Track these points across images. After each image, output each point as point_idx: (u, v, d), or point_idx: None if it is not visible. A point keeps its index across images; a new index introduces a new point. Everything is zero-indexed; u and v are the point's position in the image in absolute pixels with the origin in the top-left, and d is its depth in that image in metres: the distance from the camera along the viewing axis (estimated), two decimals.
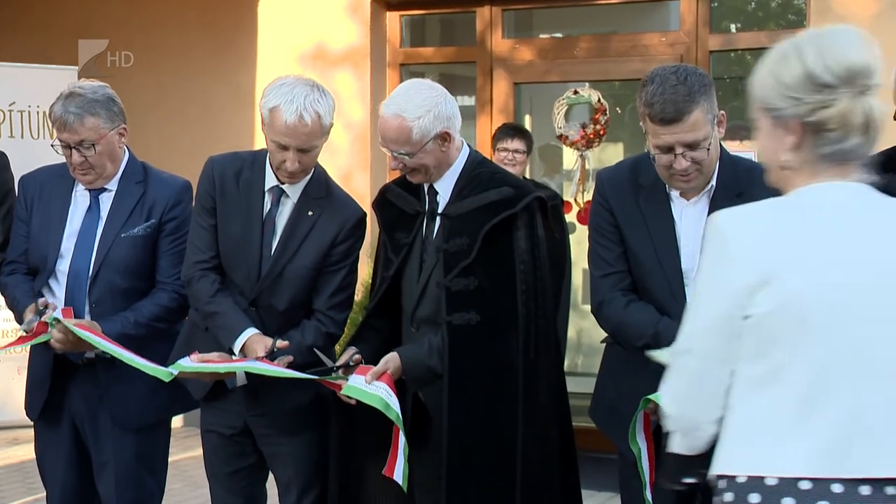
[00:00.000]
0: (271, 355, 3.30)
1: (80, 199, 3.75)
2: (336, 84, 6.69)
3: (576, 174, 6.96)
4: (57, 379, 3.72)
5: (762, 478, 2.00)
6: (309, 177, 3.48)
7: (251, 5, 7.51)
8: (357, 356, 3.31)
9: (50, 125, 6.65)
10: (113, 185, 3.73)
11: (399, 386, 3.24)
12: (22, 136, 6.93)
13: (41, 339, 3.55)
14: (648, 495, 3.09)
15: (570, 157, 7.25)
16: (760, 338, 2.01)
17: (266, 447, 3.57)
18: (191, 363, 3.32)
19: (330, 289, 3.49)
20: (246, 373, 3.39)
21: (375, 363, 3.25)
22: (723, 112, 3.11)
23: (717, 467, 2.08)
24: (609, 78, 6.96)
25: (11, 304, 3.77)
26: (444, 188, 3.34)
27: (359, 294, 3.66)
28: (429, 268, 3.33)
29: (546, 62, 6.93)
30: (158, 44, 7.66)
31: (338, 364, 3.31)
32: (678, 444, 2.15)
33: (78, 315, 3.60)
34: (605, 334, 3.38)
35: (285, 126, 3.29)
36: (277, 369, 3.27)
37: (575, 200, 6.92)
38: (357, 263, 3.57)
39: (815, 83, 2.01)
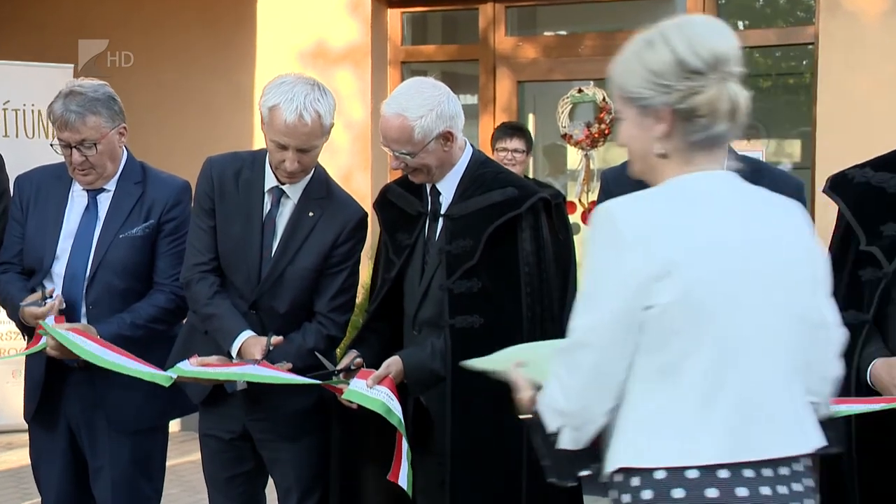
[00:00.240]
0: (267, 355, 3.27)
1: (76, 199, 3.72)
2: (336, 82, 6.67)
3: (580, 174, 6.94)
4: (52, 382, 3.70)
5: (682, 470, 1.99)
6: (309, 177, 3.46)
7: (250, 3, 7.50)
8: (358, 360, 3.30)
9: (45, 124, 6.70)
10: (111, 186, 3.71)
11: (401, 390, 3.22)
12: (17, 136, 6.90)
13: (38, 347, 3.54)
14: None
15: (574, 156, 7.23)
16: (662, 328, 2.00)
17: (266, 452, 3.55)
18: (190, 367, 3.30)
19: (331, 291, 3.46)
20: None
21: (377, 367, 3.23)
22: None
23: (622, 459, 2.05)
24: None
25: (3, 301, 3.76)
26: (447, 189, 3.32)
27: (359, 296, 3.64)
28: (431, 270, 3.31)
29: (550, 60, 6.91)
30: (157, 42, 7.66)
31: (339, 368, 3.29)
32: (567, 440, 2.11)
33: (74, 317, 3.58)
34: None
35: (285, 125, 3.27)
36: (278, 374, 3.25)
37: (579, 201, 6.89)
38: (359, 265, 3.55)
39: (684, 69, 2.03)
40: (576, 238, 6.43)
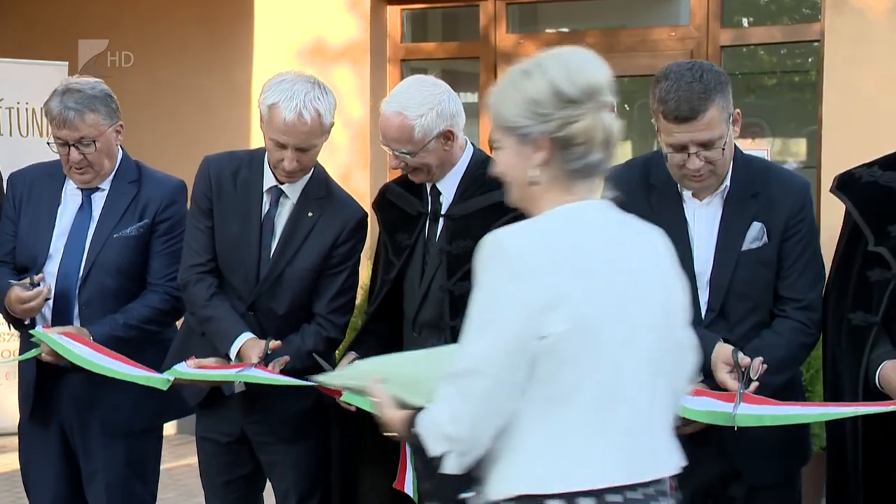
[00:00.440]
0: (265, 358, 3.25)
1: (70, 198, 3.71)
2: (335, 80, 6.63)
3: None
4: (45, 383, 3.67)
5: (576, 495, 2.04)
6: (308, 176, 3.44)
7: None
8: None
9: (40, 122, 6.66)
10: (106, 185, 3.70)
11: None
12: (11, 134, 6.86)
13: (32, 353, 3.53)
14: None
15: None
16: (555, 357, 2.06)
17: (264, 455, 3.53)
18: (187, 369, 3.29)
19: (331, 292, 3.44)
20: None
21: None
22: (738, 111, 3.07)
23: (520, 487, 2.08)
24: (617, 74, 6.86)
25: None
26: (448, 188, 3.30)
27: (358, 297, 3.61)
28: (431, 271, 3.29)
29: None
30: (153, 39, 7.64)
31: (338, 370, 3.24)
32: (453, 465, 2.12)
33: (66, 316, 3.57)
34: None
35: (284, 124, 3.24)
36: (275, 377, 3.22)
37: None
38: (358, 266, 3.53)
39: (561, 98, 2.12)
40: None
